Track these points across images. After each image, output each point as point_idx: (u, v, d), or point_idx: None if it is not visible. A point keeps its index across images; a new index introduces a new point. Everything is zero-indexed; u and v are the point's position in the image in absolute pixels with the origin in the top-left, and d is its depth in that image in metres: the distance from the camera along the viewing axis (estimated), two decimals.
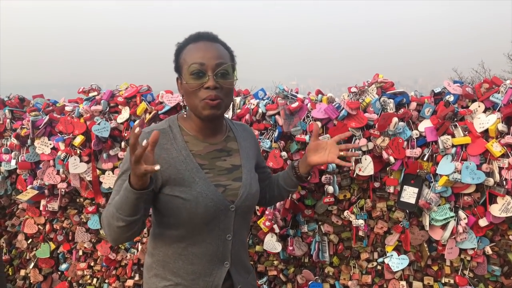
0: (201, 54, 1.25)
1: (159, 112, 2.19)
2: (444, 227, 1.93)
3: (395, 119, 1.86)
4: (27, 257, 2.72)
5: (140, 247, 2.41)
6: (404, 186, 1.95)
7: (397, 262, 2.03)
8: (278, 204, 2.06)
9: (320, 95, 2.10)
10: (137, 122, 1.10)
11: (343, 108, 1.95)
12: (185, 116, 1.38)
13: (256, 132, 2.07)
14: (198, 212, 1.27)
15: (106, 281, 2.58)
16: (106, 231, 1.24)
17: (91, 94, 2.37)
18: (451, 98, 1.89)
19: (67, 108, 2.36)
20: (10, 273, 2.77)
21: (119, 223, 1.18)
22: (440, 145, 1.84)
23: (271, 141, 2.03)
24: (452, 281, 2.03)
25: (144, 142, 1.04)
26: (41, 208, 2.47)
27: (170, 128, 1.35)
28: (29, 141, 2.37)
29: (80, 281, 2.64)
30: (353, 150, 1.88)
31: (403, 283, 2.06)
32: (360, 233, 2.07)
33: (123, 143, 2.27)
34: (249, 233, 1.63)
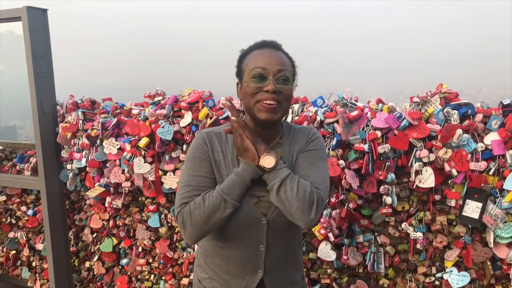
0: (264, 59, 1.29)
1: (220, 118, 2.26)
2: (510, 245, 1.84)
3: (459, 131, 1.81)
4: (92, 250, 2.90)
5: (196, 246, 2.49)
6: (467, 200, 1.88)
7: (457, 278, 1.96)
8: (334, 213, 2.06)
9: (380, 104, 2.09)
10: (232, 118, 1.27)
11: (404, 118, 1.92)
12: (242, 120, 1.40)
13: None
14: (229, 220, 1.29)
15: (163, 278, 2.69)
16: (200, 222, 1.25)
17: (156, 99, 2.49)
18: None
19: (134, 111, 2.49)
20: (76, 264, 2.96)
21: (226, 211, 1.25)
22: (508, 159, 1.76)
23: (329, 149, 2.04)
24: None
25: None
26: (106, 205, 2.63)
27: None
28: (98, 141, 2.54)
29: (139, 276, 2.77)
30: None
31: None
32: (418, 246, 2.02)
33: (184, 146, 2.36)
34: (301, 245, 1.54)
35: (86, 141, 2.55)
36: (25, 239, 3.11)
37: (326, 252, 2.14)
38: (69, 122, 2.64)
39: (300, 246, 1.54)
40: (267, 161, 1.26)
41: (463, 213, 1.89)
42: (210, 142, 1.36)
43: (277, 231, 1.37)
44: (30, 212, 3.01)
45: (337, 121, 2.04)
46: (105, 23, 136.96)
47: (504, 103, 1.88)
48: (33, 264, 3.16)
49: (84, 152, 2.59)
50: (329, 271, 2.26)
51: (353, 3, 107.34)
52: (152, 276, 2.73)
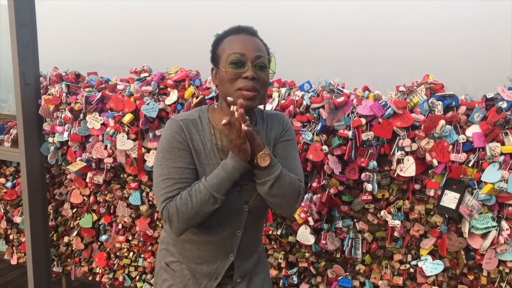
0: (242, 45, 1.27)
1: (206, 97, 2.24)
2: (484, 236, 1.88)
3: (442, 122, 1.83)
4: (71, 225, 2.88)
5: (162, 230, 2.49)
6: (446, 191, 1.91)
7: (431, 266, 2.00)
8: (315, 197, 2.07)
9: (366, 92, 2.09)
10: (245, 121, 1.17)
11: (389, 107, 1.93)
12: (215, 107, 1.40)
13: (299, 124, 2.09)
14: None
15: (142, 255, 2.69)
16: (187, 217, 1.23)
17: (142, 75, 2.46)
18: (504, 105, 1.83)
19: (119, 87, 2.46)
20: (54, 239, 2.94)
21: (215, 206, 1.23)
22: (488, 152, 1.79)
23: (313, 134, 2.04)
24: None
25: (234, 108, 1.17)
26: (87, 180, 2.60)
27: (199, 118, 1.37)
28: (81, 115, 2.50)
29: (118, 253, 2.76)
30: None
31: None
32: (396, 233, 2.06)
33: None
34: (264, 227, 1.61)
35: (69, 114, 2.51)
36: (2, 211, 3.06)
37: (305, 236, 2.16)
38: (52, 95, 2.59)
39: (263, 229, 1.62)
40: (264, 160, 1.25)
41: (441, 203, 1.92)
42: (188, 131, 1.32)
43: (254, 217, 1.40)
44: (9, 184, 2.97)
45: (322, 107, 2.04)
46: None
47: (488, 97, 1.91)
48: (11, 237, 3.13)
49: (66, 126, 2.55)
50: (307, 255, 2.28)
51: None
52: (131, 253, 2.73)
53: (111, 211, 2.71)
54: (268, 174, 1.26)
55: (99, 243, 2.83)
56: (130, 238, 2.70)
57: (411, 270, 2.11)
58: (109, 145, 2.44)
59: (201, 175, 1.31)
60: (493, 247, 1.86)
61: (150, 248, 2.65)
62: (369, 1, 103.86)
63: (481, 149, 1.84)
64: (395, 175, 1.98)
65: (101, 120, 2.44)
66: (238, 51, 1.25)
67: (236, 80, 1.26)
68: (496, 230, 1.84)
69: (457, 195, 1.87)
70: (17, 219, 2.95)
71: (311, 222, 2.11)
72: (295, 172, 1.38)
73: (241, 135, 1.18)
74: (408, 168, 1.94)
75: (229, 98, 1.19)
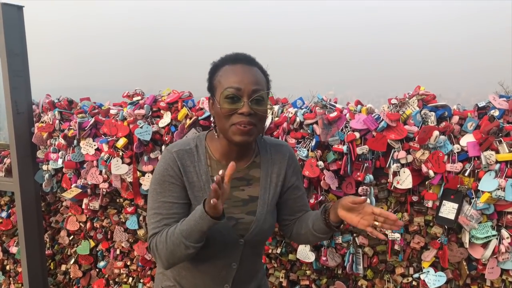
0: (238, 78, 1.22)
1: (199, 118, 2.24)
2: (485, 245, 1.87)
3: (436, 132, 1.83)
4: (68, 253, 2.84)
5: None
6: (444, 201, 1.90)
7: (433, 279, 1.98)
8: None
9: (359, 106, 2.10)
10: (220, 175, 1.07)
11: (382, 120, 1.93)
12: (214, 134, 1.35)
13: (293, 141, 2.09)
14: (205, 242, 1.24)
15: (141, 280, 2.65)
16: (165, 257, 1.23)
17: (135, 99, 2.46)
18: (496, 113, 1.84)
19: (112, 111, 2.45)
20: (52, 268, 2.90)
21: (188, 251, 1.18)
22: (483, 161, 1.79)
23: (308, 150, 2.04)
24: None
25: (221, 172, 1.08)
26: (83, 207, 2.58)
27: (196, 148, 1.33)
28: (75, 141, 2.48)
29: (117, 279, 2.72)
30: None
31: None
32: (396, 247, 2.04)
33: (163, 147, 2.34)
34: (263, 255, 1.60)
35: (62, 141, 2.50)
36: None
37: (305, 253, 2.14)
38: (45, 122, 2.58)
39: (262, 256, 1.59)
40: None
41: (440, 214, 1.91)
42: (182, 163, 1.28)
43: (251, 250, 1.38)
44: (3, 214, 2.93)
45: (316, 122, 2.05)
46: (87, 23, 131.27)
47: (479, 106, 1.92)
48: (7, 267, 3.08)
49: (60, 153, 2.53)
50: (308, 272, 2.26)
51: (337, 3, 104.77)
52: (130, 279, 2.69)
53: (109, 236, 2.67)
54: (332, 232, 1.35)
55: (97, 269, 2.78)
56: (128, 263, 2.66)
57: (414, 283, 2.09)
58: (104, 170, 2.42)
59: (195, 208, 1.25)
60: (495, 256, 1.85)
61: (149, 272, 2.61)
62: (361, 2, 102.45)
63: (476, 158, 1.84)
64: (392, 188, 1.97)
65: (95, 145, 2.43)
66: (233, 85, 1.20)
67: (232, 115, 1.21)
68: (497, 239, 1.83)
69: (455, 205, 1.87)
70: (13, 249, 2.91)
71: None
72: (307, 203, 1.49)
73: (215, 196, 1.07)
74: (405, 180, 1.93)
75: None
